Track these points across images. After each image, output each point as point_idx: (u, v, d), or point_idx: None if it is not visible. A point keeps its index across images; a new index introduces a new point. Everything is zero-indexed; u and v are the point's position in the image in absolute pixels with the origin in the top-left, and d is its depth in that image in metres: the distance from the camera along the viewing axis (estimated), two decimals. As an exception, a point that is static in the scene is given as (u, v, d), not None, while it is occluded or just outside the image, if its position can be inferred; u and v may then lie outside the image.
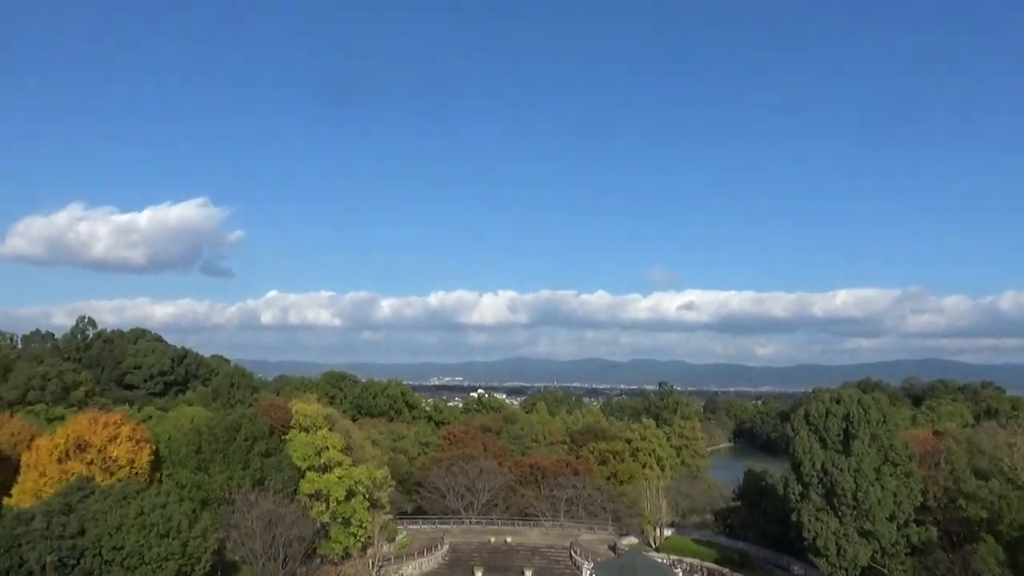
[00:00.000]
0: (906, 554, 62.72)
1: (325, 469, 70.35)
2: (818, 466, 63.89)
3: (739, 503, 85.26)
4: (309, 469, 69.88)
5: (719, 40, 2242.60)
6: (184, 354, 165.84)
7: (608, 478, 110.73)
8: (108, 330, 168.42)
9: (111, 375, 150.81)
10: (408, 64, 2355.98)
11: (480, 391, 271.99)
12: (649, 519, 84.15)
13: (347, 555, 70.18)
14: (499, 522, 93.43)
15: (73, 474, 55.36)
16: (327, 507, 68.98)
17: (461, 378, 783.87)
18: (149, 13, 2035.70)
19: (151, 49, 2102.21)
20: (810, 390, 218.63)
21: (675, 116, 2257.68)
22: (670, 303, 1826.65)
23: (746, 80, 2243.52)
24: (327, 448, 70.89)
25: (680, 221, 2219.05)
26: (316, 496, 68.81)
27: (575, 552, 78.42)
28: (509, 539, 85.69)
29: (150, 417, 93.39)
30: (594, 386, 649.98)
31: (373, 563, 68.89)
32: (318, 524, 68.00)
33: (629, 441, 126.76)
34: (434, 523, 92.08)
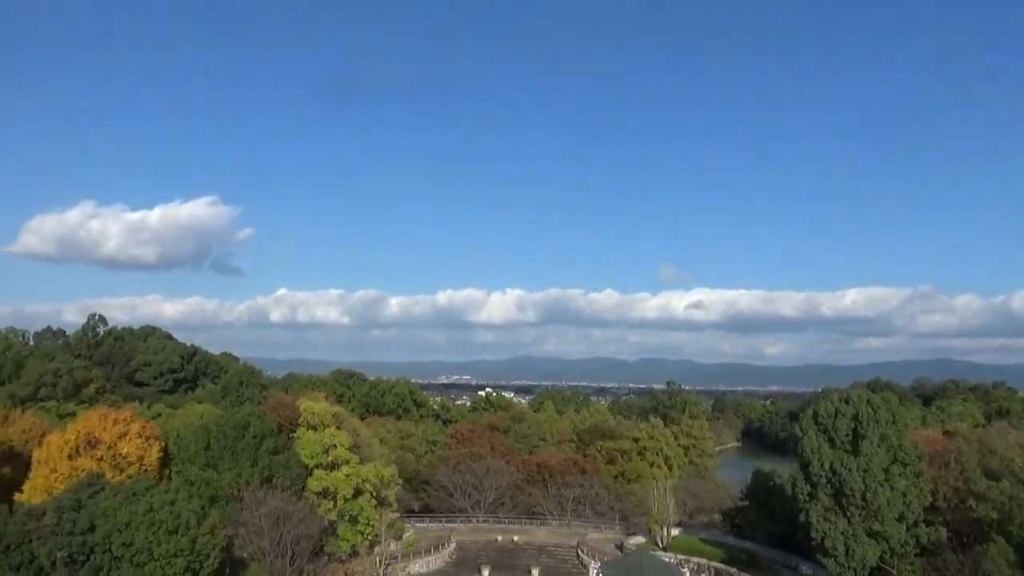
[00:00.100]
0: (915, 555, 62.37)
1: (333, 467, 70.55)
2: (827, 466, 63.60)
3: (747, 503, 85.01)
4: (317, 467, 70.09)
5: (728, 39, 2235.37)
6: (194, 352, 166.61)
7: (615, 477, 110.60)
8: (119, 327, 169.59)
9: (121, 372, 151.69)
10: (416, 63, 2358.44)
11: (488, 390, 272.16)
12: (656, 518, 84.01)
13: (354, 553, 70.40)
14: (506, 521, 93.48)
15: (83, 471, 55.73)
16: (335, 505, 69.19)
17: (469, 376, 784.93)
18: (157, 13, 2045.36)
19: (160, 49, 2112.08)
20: (819, 390, 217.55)
21: (684, 115, 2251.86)
22: (679, 302, 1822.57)
23: (754, 79, 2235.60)
24: (335, 446, 71.09)
25: (689, 220, 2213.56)
26: (324, 494, 69.03)
27: (582, 551, 78.39)
28: (516, 538, 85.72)
29: (160, 414, 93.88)
30: (602, 385, 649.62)
31: (380, 561, 69.12)
32: (326, 522, 68.32)
33: (637, 440, 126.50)
34: (441, 521, 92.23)
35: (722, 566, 74.24)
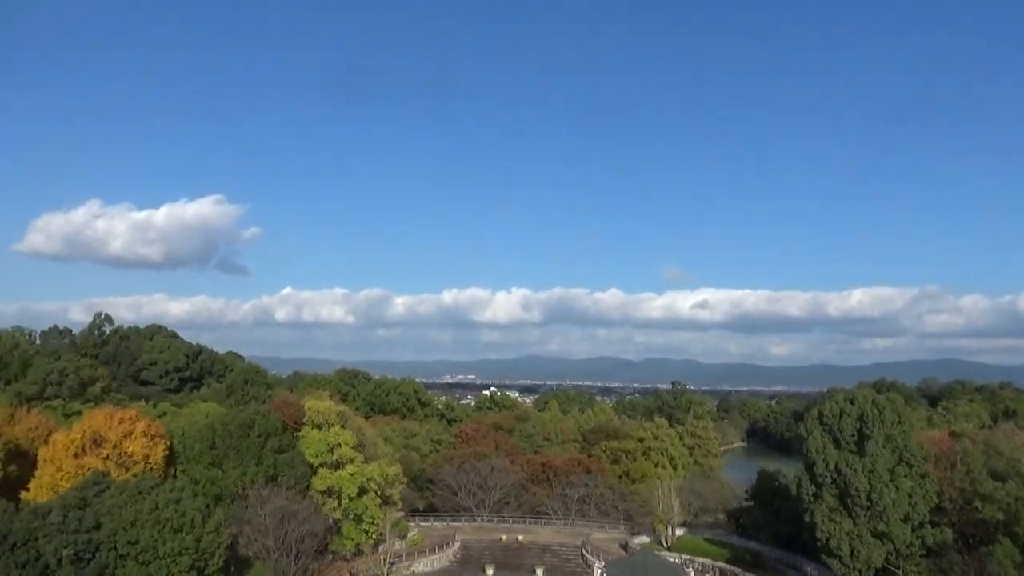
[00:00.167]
0: (921, 556, 62.17)
1: (337, 466, 70.65)
2: (832, 466, 63.44)
3: (752, 503, 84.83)
4: (322, 466, 70.18)
5: (735, 40, 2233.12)
6: (199, 351, 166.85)
7: (620, 477, 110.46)
8: (124, 326, 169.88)
9: (127, 371, 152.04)
10: (422, 64, 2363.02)
11: (492, 389, 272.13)
12: (661, 518, 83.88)
13: (359, 551, 70.52)
14: (511, 520, 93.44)
15: (89, 469, 55.90)
16: (339, 503, 69.27)
17: (474, 376, 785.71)
18: (164, 14, 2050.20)
19: (166, 49, 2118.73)
20: (824, 390, 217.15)
21: (686, 115, 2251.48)
22: (684, 302, 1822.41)
23: (760, 80, 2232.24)
24: (339, 445, 71.17)
25: (694, 220, 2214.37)
26: (328, 492, 69.12)
27: (586, 551, 78.32)
28: (520, 537, 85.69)
29: (165, 413, 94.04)
30: (607, 385, 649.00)
31: (385, 560, 69.14)
32: (330, 520, 68.36)
33: (641, 440, 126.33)
34: (446, 520, 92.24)
35: (727, 566, 74.06)
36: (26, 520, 46.42)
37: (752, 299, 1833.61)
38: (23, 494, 56.36)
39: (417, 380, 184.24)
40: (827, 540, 62.84)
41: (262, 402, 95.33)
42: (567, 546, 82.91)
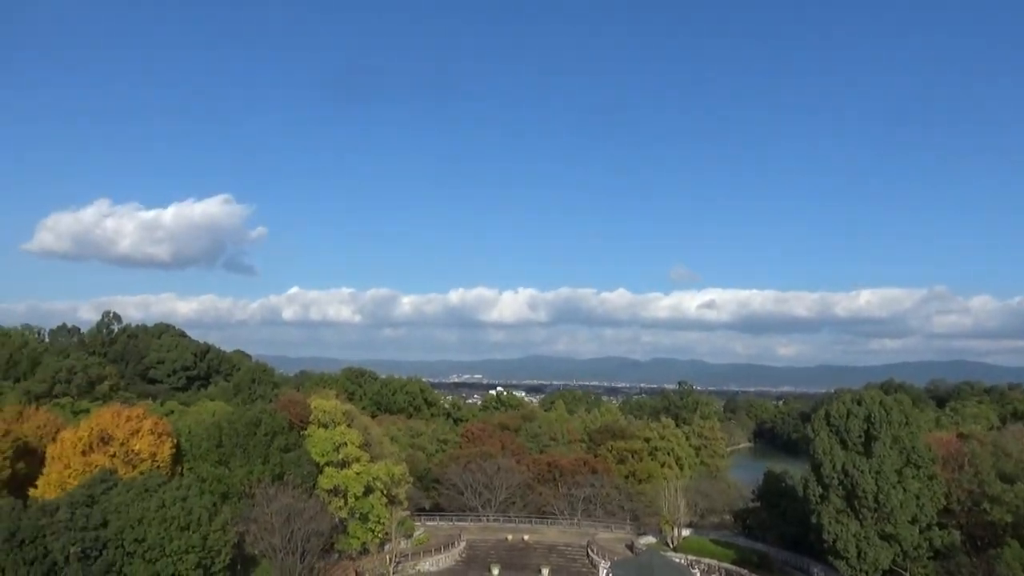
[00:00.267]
0: (928, 558, 61.87)
1: (343, 465, 70.76)
2: (838, 467, 63.18)
3: (758, 504, 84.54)
4: (328, 465, 70.31)
5: (735, 40, 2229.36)
6: (206, 349, 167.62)
7: (626, 477, 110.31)
8: (133, 325, 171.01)
9: (135, 369, 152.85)
10: (422, 64, 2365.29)
11: (499, 389, 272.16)
12: (667, 519, 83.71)
13: (365, 551, 70.57)
14: (516, 520, 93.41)
15: (96, 467, 56.13)
16: (345, 503, 69.38)
17: (480, 376, 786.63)
18: (164, 14, 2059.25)
19: (174, 49, 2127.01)
20: (832, 391, 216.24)
21: (689, 116, 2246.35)
22: (691, 302, 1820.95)
23: (760, 80, 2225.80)
24: (345, 444, 71.28)
25: (701, 220, 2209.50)
26: (334, 491, 69.24)
27: (592, 551, 78.26)
28: (526, 537, 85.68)
29: (172, 411, 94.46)
30: (613, 385, 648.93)
31: (390, 559, 69.25)
32: (336, 519, 68.50)
33: (648, 440, 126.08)
34: (451, 520, 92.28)
35: (733, 567, 73.87)
36: (34, 517, 46.63)
37: (759, 299, 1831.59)
38: (31, 491, 56.70)
39: (423, 379, 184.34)
40: (834, 542, 62.58)
41: (269, 401, 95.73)
42: (573, 546, 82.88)
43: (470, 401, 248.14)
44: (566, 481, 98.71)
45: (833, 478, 63.41)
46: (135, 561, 48.46)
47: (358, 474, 69.95)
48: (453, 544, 78.89)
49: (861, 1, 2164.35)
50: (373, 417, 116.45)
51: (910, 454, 62.50)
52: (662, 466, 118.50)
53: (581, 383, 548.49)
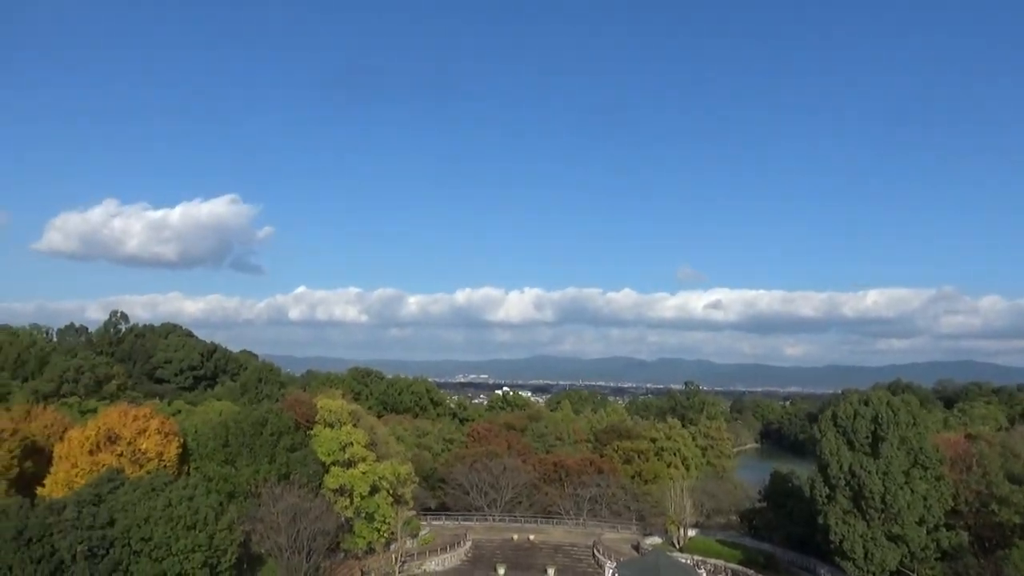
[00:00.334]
0: (936, 559, 61.61)
1: (349, 464, 70.86)
2: (845, 468, 62.96)
3: (765, 504, 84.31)
4: (334, 464, 70.41)
5: (735, 40, 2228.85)
6: (213, 349, 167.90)
7: (632, 477, 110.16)
8: (140, 325, 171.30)
9: (142, 369, 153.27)
10: (429, 63, 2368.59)
11: (505, 389, 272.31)
12: (673, 519, 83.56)
13: (371, 550, 70.65)
14: (522, 520, 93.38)
15: (104, 466, 56.31)
16: (351, 502, 69.46)
17: (486, 375, 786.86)
18: (164, 14, 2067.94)
19: (176, 49, 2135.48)
20: (839, 391, 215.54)
21: (696, 115, 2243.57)
22: (697, 302, 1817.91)
23: (768, 79, 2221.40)
24: (351, 444, 71.37)
25: (708, 220, 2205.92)
26: (340, 491, 69.33)
27: (598, 551, 78.15)
28: (532, 537, 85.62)
29: (179, 411, 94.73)
30: (620, 385, 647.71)
31: (396, 558, 69.30)
32: (342, 519, 68.54)
33: (654, 440, 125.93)
34: (457, 520, 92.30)
35: (739, 568, 73.65)
36: (41, 516, 46.81)
37: (766, 299, 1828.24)
38: (39, 490, 56.92)
39: (430, 379, 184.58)
40: (841, 542, 62.37)
41: (275, 400, 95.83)
42: (579, 546, 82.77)
43: (476, 401, 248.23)
44: (572, 481, 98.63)
45: (840, 479, 63.20)
46: (142, 560, 48.59)
47: (364, 473, 70.04)
48: (459, 544, 78.88)
49: (861, 1, 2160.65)
50: (379, 417, 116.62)
51: (917, 455, 62.24)
52: (668, 466, 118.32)
53: (587, 383, 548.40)
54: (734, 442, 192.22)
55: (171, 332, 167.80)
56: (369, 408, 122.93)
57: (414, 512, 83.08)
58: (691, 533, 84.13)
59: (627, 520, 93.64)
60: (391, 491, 72.61)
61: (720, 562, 75.56)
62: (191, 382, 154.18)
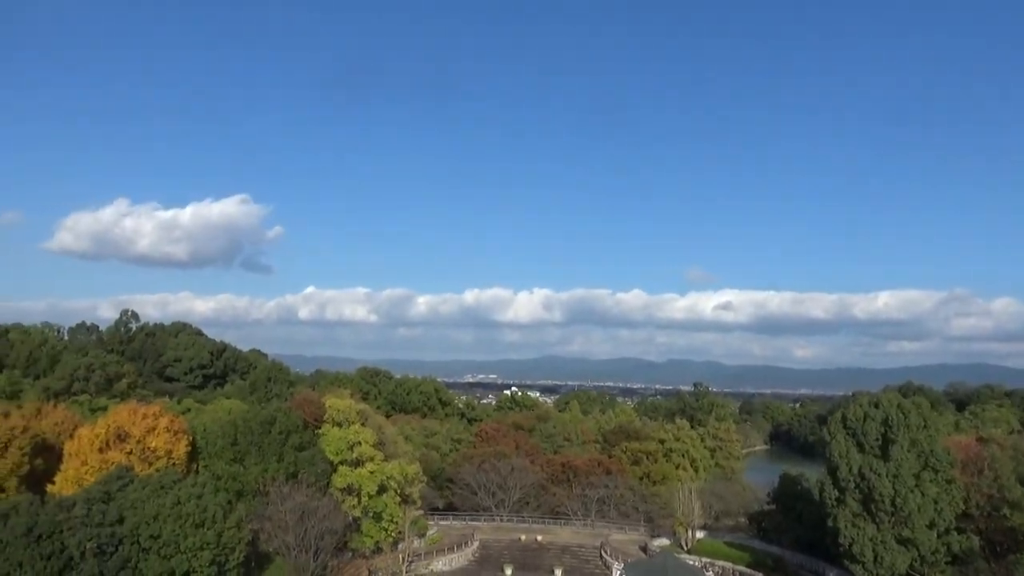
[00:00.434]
0: (946, 563, 61.06)
1: (357, 464, 70.95)
2: (855, 471, 62.53)
3: (774, 506, 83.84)
4: (341, 463, 70.53)
5: (735, 40, 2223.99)
6: (223, 348, 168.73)
7: (641, 478, 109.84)
8: (150, 323, 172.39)
9: (152, 367, 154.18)
10: (437, 63, 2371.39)
11: (513, 389, 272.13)
12: (681, 521, 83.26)
13: (378, 549, 70.71)
14: (530, 520, 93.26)
15: (113, 463, 56.66)
16: (359, 501, 69.55)
17: (495, 376, 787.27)
18: (164, 14, 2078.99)
19: (190, 50, 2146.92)
20: (849, 393, 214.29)
21: (702, 116, 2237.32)
22: (707, 303, 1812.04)
23: (784, 79, 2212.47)
24: (359, 443, 71.45)
25: (718, 220, 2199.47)
26: (348, 490, 69.45)
27: (605, 552, 77.96)
28: (539, 537, 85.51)
29: (189, 409, 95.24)
30: (628, 385, 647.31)
31: (403, 558, 69.38)
32: (350, 518, 68.69)
33: (663, 442, 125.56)
34: (465, 520, 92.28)
35: (747, 570, 73.31)
36: (51, 513, 47.11)
37: (776, 300, 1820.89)
38: (49, 487, 57.31)
39: (438, 379, 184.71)
40: (850, 545, 61.93)
41: (284, 400, 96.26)
42: (586, 547, 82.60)
43: (484, 401, 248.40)
44: (580, 482, 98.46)
45: (850, 481, 62.78)
46: (150, 557, 48.82)
47: (372, 473, 70.11)
48: (466, 544, 78.87)
49: (861, 1, 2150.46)
50: (388, 417, 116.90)
51: (928, 458, 61.74)
52: (677, 468, 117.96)
53: (596, 384, 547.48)
54: (743, 444, 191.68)
55: (181, 331, 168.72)
56: (377, 408, 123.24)
57: (422, 512, 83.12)
58: (699, 535, 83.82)
59: (635, 521, 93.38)
60: (399, 491, 72.67)
61: (728, 564, 75.24)
62: (201, 381, 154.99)
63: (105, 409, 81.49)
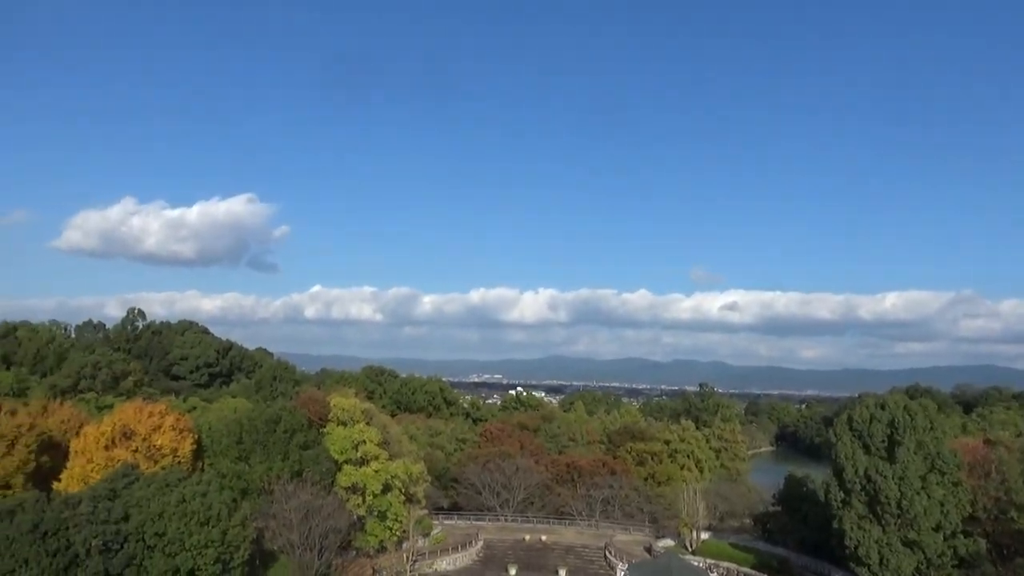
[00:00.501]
0: (953, 566, 60.77)
1: (362, 462, 71.03)
2: (861, 472, 62.30)
3: (779, 508, 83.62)
4: (346, 462, 70.62)
5: (735, 40, 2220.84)
6: (229, 346, 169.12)
7: (645, 479, 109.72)
8: (157, 322, 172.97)
9: (159, 366, 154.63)
10: (446, 64, 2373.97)
11: (518, 389, 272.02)
12: (686, 522, 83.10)
13: (382, 548, 70.79)
14: (534, 520, 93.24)
15: (119, 461, 56.76)
16: (363, 500, 69.63)
17: (500, 376, 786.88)
18: (165, 14, 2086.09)
19: (191, 50, 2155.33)
20: (856, 395, 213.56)
21: (712, 116, 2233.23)
22: (713, 303, 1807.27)
23: (784, 79, 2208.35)
24: (364, 442, 71.55)
25: (724, 221, 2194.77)
26: (353, 489, 69.53)
27: (610, 553, 77.84)
28: (544, 537, 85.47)
29: (195, 408, 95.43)
30: (634, 386, 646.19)
31: (408, 557, 69.40)
32: (354, 517, 68.73)
33: (668, 442, 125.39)
34: (469, 519, 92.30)
35: (752, 572, 73.04)
36: (57, 510, 47.28)
37: (783, 301, 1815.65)
38: (55, 484, 57.49)
39: (444, 379, 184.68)
40: (855, 548, 61.71)
41: (289, 398, 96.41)
42: (590, 547, 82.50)
43: (489, 401, 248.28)
44: (585, 482, 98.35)
45: (855, 483, 62.55)
46: (155, 555, 48.93)
47: (376, 472, 70.19)
48: (470, 543, 78.87)
49: (861, 1, 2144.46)
50: (393, 416, 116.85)
51: (935, 460, 61.46)
52: (682, 468, 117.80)
53: (601, 384, 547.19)
54: (749, 445, 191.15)
55: (187, 329, 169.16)
56: (383, 407, 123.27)
57: (426, 511, 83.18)
58: (704, 536, 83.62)
59: (639, 522, 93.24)
60: (403, 490, 72.74)
61: (733, 566, 75.02)
62: (207, 379, 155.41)
63: (111, 407, 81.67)
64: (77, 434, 62.55)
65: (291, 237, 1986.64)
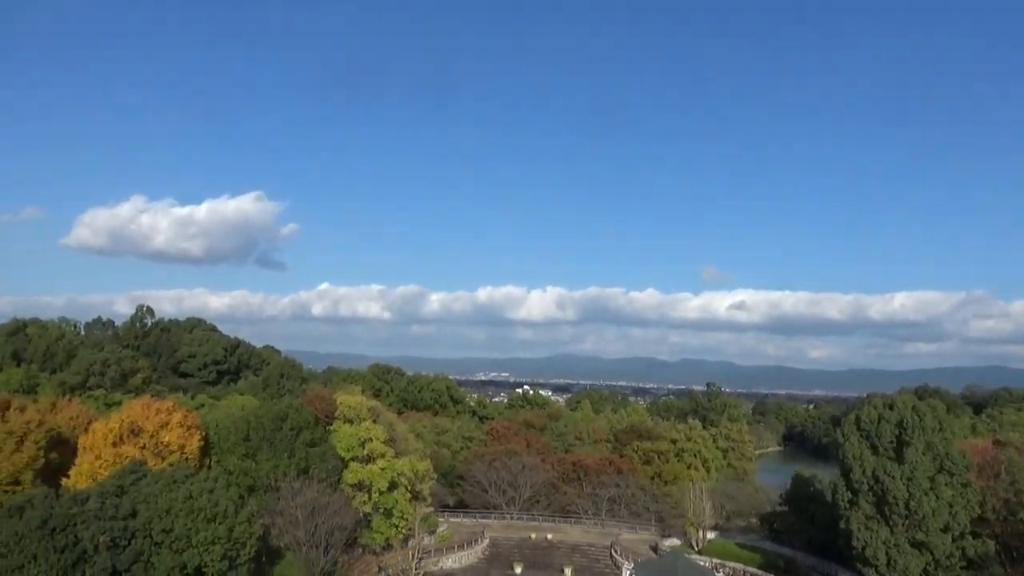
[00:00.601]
0: (961, 567, 60.44)
1: (368, 460, 71.14)
2: (869, 473, 62.03)
3: (786, 508, 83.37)
4: (353, 460, 70.75)
5: (735, 40, 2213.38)
6: (237, 344, 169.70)
7: (652, 478, 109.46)
8: (165, 319, 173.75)
9: (167, 363, 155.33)
10: (446, 63, 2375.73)
11: (525, 387, 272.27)
12: (692, 521, 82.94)
13: (388, 546, 70.84)
14: (540, 518, 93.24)
15: (127, 458, 56.99)
16: (369, 498, 69.75)
17: (507, 374, 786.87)
18: (179, 14, 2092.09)
19: (191, 50, 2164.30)
20: (864, 395, 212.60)
21: (719, 116, 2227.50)
22: (721, 303, 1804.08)
23: (784, 79, 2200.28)
24: (370, 439, 71.67)
25: (732, 220, 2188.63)
26: (359, 486, 69.66)
27: (616, 551, 77.76)
28: (550, 536, 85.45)
29: (202, 405, 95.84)
30: (641, 385, 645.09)
31: (413, 555, 69.38)
32: (360, 514, 68.89)
33: (674, 442, 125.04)
34: (475, 517, 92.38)
35: (759, 572, 72.88)
36: (65, 506, 47.48)
37: (791, 301, 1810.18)
38: (63, 481, 57.72)
39: (450, 377, 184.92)
40: (863, 548, 61.45)
41: (296, 396, 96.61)
42: (596, 546, 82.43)
43: (496, 399, 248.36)
44: (591, 481, 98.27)
45: (863, 483, 62.28)
46: (162, 551, 49.10)
47: (383, 469, 70.29)
48: (476, 541, 78.93)
49: (861, 1, 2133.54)
50: (399, 414, 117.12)
51: (943, 461, 61.11)
52: (688, 468, 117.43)
53: (608, 383, 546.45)
54: (756, 445, 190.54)
55: (196, 327, 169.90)
56: (389, 405, 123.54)
57: (432, 509, 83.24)
58: (710, 536, 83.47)
59: (646, 521, 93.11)
60: (409, 487, 72.81)
61: (739, 566, 74.87)
62: (214, 376, 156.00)
63: (120, 404, 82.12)
64: (86, 431, 62.80)
65: (299, 235, 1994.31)
